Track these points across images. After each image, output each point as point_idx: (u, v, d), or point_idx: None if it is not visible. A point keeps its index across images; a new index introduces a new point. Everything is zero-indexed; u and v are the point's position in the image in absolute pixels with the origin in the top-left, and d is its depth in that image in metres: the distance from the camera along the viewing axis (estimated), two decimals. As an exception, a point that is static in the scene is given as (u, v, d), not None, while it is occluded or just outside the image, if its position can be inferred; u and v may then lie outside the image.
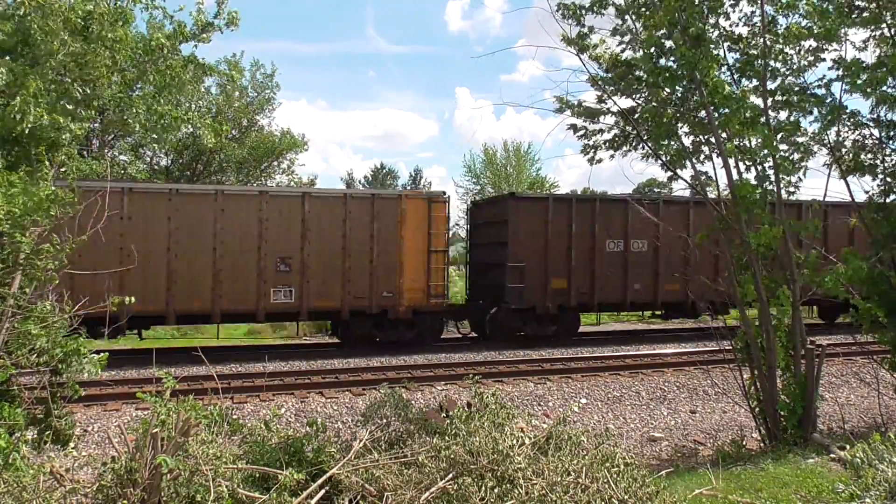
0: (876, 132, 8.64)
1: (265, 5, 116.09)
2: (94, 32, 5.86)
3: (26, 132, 5.32)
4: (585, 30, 8.31)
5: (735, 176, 8.10)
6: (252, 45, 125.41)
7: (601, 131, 8.86)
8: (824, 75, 8.42)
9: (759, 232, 7.61)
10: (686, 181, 8.69)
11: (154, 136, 20.07)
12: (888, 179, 8.66)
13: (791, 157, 8.35)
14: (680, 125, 8.30)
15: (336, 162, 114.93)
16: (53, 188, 5.30)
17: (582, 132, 8.89)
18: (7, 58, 5.63)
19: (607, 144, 8.89)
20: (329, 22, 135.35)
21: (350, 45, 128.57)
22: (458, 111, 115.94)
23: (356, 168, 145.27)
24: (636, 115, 8.58)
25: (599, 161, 8.93)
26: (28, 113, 5.22)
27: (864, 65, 7.97)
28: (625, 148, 8.82)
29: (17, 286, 4.96)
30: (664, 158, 8.50)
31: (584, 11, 8.18)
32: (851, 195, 8.93)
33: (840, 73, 8.23)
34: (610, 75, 8.46)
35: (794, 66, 8.31)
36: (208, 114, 25.85)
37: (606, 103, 8.67)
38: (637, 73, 8.20)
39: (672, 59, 7.83)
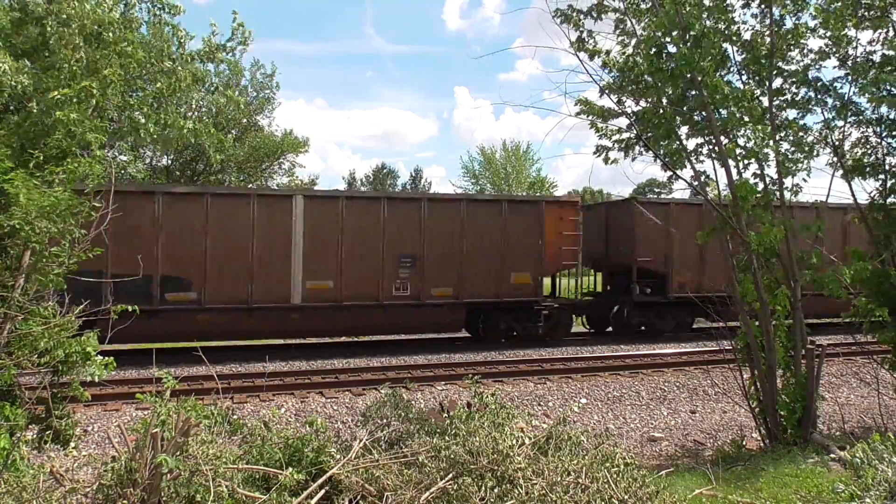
0: (878, 129, 8.67)
1: (264, 5, 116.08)
2: (107, 39, 5.89)
3: (59, 137, 5.33)
4: (584, 34, 8.29)
5: (735, 176, 8.10)
6: (251, 44, 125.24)
7: (619, 130, 8.83)
8: (834, 69, 8.49)
9: (759, 233, 7.61)
10: (686, 181, 8.69)
11: (159, 144, 20.09)
12: (889, 181, 8.69)
13: (795, 157, 8.35)
14: (679, 125, 8.29)
15: (335, 162, 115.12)
16: (69, 193, 5.28)
17: (601, 133, 8.86)
18: (26, 61, 5.67)
19: (619, 145, 8.86)
20: (327, 21, 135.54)
21: (348, 45, 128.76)
22: (456, 111, 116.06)
23: (356, 168, 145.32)
24: (639, 119, 8.57)
25: (615, 161, 8.88)
26: (50, 117, 5.23)
27: (871, 63, 8.01)
28: (636, 149, 8.80)
29: (20, 287, 4.96)
30: (664, 159, 8.49)
31: (582, 16, 8.17)
32: (854, 196, 8.94)
33: (847, 70, 8.27)
34: (617, 80, 8.45)
35: (801, 65, 8.33)
36: (208, 113, 25.83)
37: (620, 107, 8.68)
38: (645, 77, 8.19)
39: (672, 59, 7.82)
